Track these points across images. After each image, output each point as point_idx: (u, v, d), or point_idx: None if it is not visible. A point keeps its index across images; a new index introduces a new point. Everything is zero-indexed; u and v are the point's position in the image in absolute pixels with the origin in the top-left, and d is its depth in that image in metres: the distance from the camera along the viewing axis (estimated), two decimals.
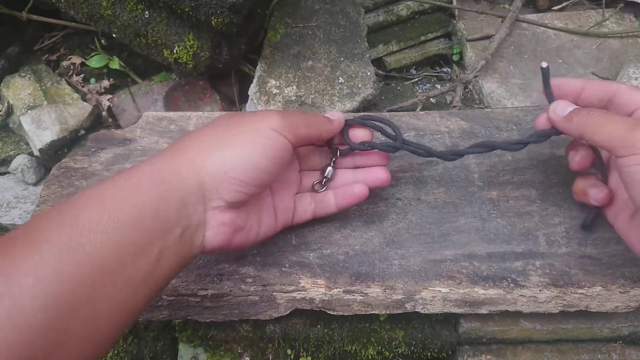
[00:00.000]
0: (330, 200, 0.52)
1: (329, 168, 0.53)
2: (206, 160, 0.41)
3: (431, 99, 0.94)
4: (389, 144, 0.52)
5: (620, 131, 0.40)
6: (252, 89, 0.80)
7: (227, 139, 0.43)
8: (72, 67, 0.88)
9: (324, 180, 0.53)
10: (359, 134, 0.52)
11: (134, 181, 0.39)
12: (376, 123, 0.53)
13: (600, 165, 0.51)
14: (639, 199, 0.40)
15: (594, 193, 0.49)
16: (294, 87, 0.80)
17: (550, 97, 0.50)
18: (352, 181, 0.53)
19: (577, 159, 0.50)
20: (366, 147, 0.52)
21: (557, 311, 0.53)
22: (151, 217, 0.38)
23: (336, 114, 0.52)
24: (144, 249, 0.37)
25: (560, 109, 0.48)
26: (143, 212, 0.37)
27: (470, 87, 0.94)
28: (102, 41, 0.91)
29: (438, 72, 1.02)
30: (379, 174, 0.53)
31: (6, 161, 0.81)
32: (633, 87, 0.46)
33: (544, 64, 0.49)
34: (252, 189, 0.43)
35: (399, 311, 0.52)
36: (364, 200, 0.52)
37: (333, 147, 0.53)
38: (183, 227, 0.40)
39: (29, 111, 0.80)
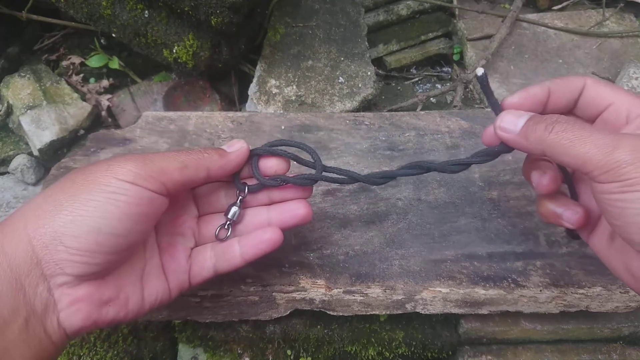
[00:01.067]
0: (235, 250, 0.43)
1: (234, 208, 0.44)
2: (38, 229, 0.33)
3: (431, 98, 0.94)
4: (305, 176, 0.44)
5: (597, 152, 0.32)
6: (252, 89, 0.80)
7: (64, 200, 0.34)
8: (71, 67, 0.88)
9: (228, 223, 0.44)
10: (271, 164, 0.44)
11: None
12: (287, 151, 0.44)
13: (568, 179, 0.42)
14: (625, 233, 0.33)
15: (568, 216, 0.40)
16: (294, 86, 0.80)
17: (495, 106, 0.41)
18: (266, 222, 0.44)
19: (545, 182, 0.40)
20: (278, 182, 0.44)
21: (558, 311, 0.53)
22: None
23: (236, 144, 0.43)
24: None
25: (509, 123, 0.39)
26: None
27: (471, 86, 0.94)
28: (102, 41, 0.90)
29: (438, 72, 1.02)
30: (296, 211, 0.44)
31: (6, 161, 0.81)
32: (599, 81, 0.40)
33: (480, 71, 0.41)
34: (103, 258, 0.35)
35: (399, 311, 0.52)
36: (276, 247, 0.43)
37: (239, 182, 0.44)
38: (25, 317, 0.33)
39: (28, 111, 0.80)
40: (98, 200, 0.34)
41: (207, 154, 0.40)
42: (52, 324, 0.34)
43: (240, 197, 0.44)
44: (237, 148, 0.42)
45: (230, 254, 0.43)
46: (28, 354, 0.33)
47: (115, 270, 0.37)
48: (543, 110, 0.41)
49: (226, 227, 0.44)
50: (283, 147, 0.44)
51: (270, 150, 0.44)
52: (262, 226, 0.44)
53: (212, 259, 0.43)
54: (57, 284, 0.34)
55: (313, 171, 0.45)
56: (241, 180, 0.45)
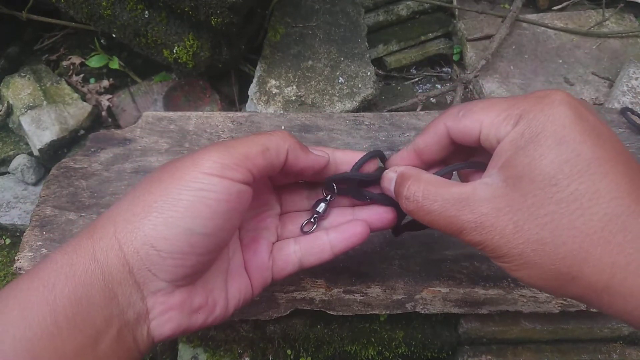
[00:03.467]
0: (324, 243, 0.41)
1: (322, 204, 0.43)
2: (128, 235, 0.32)
3: (431, 98, 0.94)
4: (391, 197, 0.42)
5: (446, 231, 0.33)
6: (252, 89, 0.80)
7: (152, 202, 0.32)
8: (71, 67, 0.88)
9: (315, 217, 0.43)
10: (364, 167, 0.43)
11: (42, 280, 0.30)
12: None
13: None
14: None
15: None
16: (294, 87, 0.80)
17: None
18: (351, 220, 0.43)
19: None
20: (366, 198, 0.42)
21: (558, 311, 0.53)
22: (70, 327, 0.29)
23: (318, 151, 0.41)
24: None
25: (389, 192, 0.39)
26: (58, 322, 0.29)
27: (471, 87, 0.94)
28: (102, 41, 0.90)
29: (438, 72, 1.02)
30: (385, 214, 0.42)
31: (6, 161, 0.81)
32: (452, 114, 0.37)
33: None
34: (195, 259, 0.33)
35: (399, 311, 0.52)
36: (364, 240, 0.42)
37: (330, 183, 0.43)
38: (118, 327, 0.31)
39: (28, 111, 0.80)
40: (187, 199, 0.32)
41: (285, 137, 0.38)
42: (142, 333, 0.33)
43: (329, 196, 0.43)
44: (319, 152, 0.41)
45: (319, 247, 0.41)
46: None
47: (203, 274, 0.36)
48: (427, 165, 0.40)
49: (312, 220, 0.43)
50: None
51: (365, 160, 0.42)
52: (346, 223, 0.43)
53: (297, 252, 0.41)
54: (151, 292, 0.33)
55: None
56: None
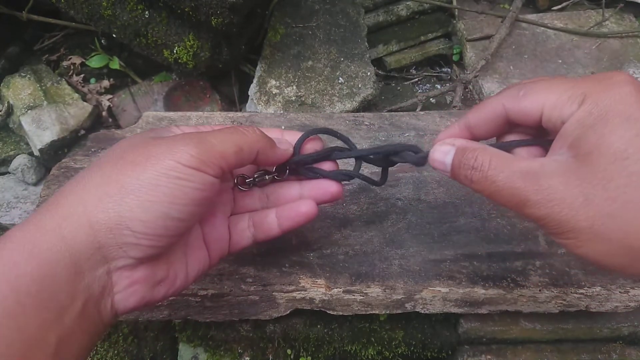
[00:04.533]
0: (272, 221, 0.44)
1: (267, 176, 0.46)
2: (101, 214, 0.32)
3: (431, 99, 0.94)
4: (342, 172, 0.45)
5: (513, 207, 0.33)
6: (252, 89, 0.80)
7: (127, 184, 0.33)
8: (72, 67, 0.88)
9: (250, 180, 0.45)
10: (307, 147, 0.46)
11: (2, 259, 0.30)
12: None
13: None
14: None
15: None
16: (294, 87, 0.80)
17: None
18: (298, 196, 0.45)
19: None
20: (317, 175, 0.45)
21: (557, 311, 0.53)
22: (33, 305, 0.29)
23: (285, 145, 0.44)
24: (32, 346, 0.29)
25: (439, 164, 0.39)
26: (20, 300, 0.29)
27: (470, 87, 0.94)
28: (102, 41, 0.91)
29: (438, 72, 1.02)
30: (329, 188, 0.45)
31: (6, 161, 0.81)
32: (512, 94, 0.37)
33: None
34: (167, 241, 0.35)
35: (399, 311, 0.52)
36: (312, 219, 0.44)
37: (283, 167, 0.46)
38: (83, 302, 0.32)
39: (29, 111, 0.80)
40: (166, 186, 0.34)
41: (258, 138, 0.40)
42: (106, 307, 0.34)
43: (274, 175, 0.46)
44: (285, 148, 0.43)
45: (268, 225, 0.44)
46: (84, 338, 0.33)
47: (169, 249, 0.38)
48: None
49: (247, 181, 0.45)
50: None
51: (312, 156, 0.45)
52: (294, 199, 0.45)
53: (250, 228, 0.44)
54: (117, 267, 0.34)
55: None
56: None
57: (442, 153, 0.39)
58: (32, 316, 0.29)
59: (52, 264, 0.31)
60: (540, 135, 0.38)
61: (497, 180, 0.34)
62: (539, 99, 0.35)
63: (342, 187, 0.45)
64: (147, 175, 0.33)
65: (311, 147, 0.46)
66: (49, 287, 0.30)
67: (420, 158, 0.42)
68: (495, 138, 0.41)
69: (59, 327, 0.31)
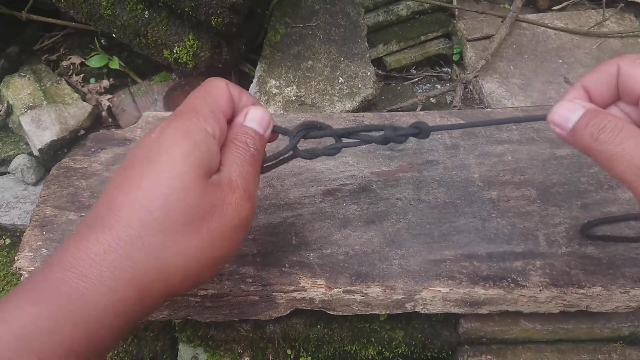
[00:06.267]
0: None
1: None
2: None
3: (431, 99, 0.94)
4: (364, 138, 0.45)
5: (631, 174, 0.33)
6: (252, 89, 0.80)
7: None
8: (72, 67, 0.88)
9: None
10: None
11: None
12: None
13: None
14: None
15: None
16: (294, 87, 0.80)
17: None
18: None
19: None
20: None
21: (557, 311, 0.53)
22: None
23: (264, 122, 0.41)
24: None
25: (562, 118, 0.38)
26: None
27: (470, 87, 0.94)
28: (102, 41, 0.90)
29: (438, 72, 1.02)
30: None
31: (6, 161, 0.81)
32: (630, 58, 0.37)
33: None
34: None
35: (399, 311, 0.52)
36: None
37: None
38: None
39: (28, 111, 0.80)
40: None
41: (251, 140, 0.38)
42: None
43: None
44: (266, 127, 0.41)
45: None
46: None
47: None
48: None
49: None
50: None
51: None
52: None
53: None
54: None
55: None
56: None
57: (569, 110, 0.37)
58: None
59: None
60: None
61: (624, 144, 0.33)
62: None
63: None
64: (225, 250, 0.35)
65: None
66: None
67: (425, 129, 0.43)
68: None
69: None
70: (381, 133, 0.44)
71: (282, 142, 0.50)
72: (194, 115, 0.36)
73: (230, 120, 0.40)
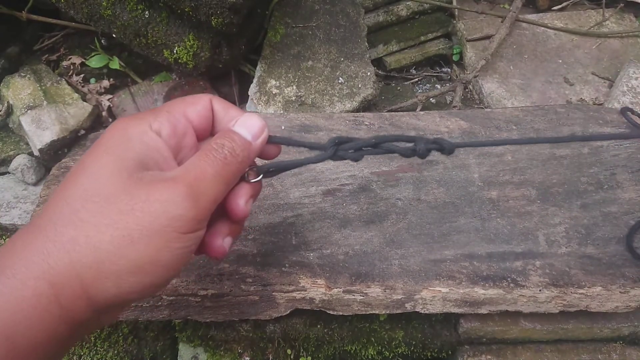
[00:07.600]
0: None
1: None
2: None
3: (431, 99, 0.94)
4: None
5: None
6: (252, 89, 0.80)
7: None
8: (72, 67, 0.88)
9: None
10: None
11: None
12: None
13: None
14: None
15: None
16: (294, 87, 0.80)
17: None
18: None
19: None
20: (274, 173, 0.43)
21: (557, 311, 0.53)
22: None
23: (257, 131, 0.39)
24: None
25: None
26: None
27: (470, 87, 0.94)
28: (102, 41, 0.90)
29: (438, 72, 1.02)
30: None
31: (6, 161, 0.81)
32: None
33: None
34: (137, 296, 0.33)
35: (399, 311, 0.52)
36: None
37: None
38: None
39: (28, 111, 0.80)
40: (166, 260, 0.32)
41: (245, 157, 0.36)
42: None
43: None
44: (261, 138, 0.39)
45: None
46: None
47: None
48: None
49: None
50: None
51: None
52: None
53: None
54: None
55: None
56: None
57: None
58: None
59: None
60: None
61: None
62: None
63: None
64: (148, 253, 0.30)
65: (274, 150, 0.43)
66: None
67: (450, 145, 0.41)
68: None
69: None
70: (410, 145, 0.43)
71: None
72: (147, 113, 0.35)
73: (209, 132, 0.39)
